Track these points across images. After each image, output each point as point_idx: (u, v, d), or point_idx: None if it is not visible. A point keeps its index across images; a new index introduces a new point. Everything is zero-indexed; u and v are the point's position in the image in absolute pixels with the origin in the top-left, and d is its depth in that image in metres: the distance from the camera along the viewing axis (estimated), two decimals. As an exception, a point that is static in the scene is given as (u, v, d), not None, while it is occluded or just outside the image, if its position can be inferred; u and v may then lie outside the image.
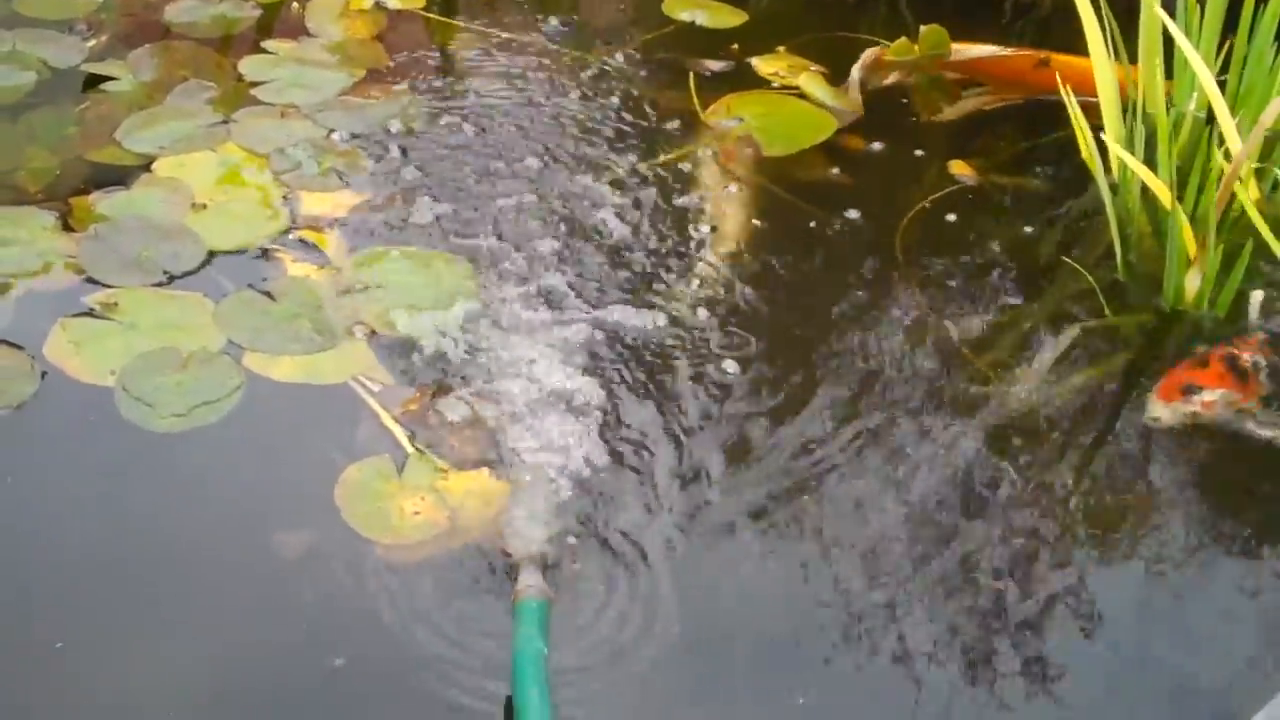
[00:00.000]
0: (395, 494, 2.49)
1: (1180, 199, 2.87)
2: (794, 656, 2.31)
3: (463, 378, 2.69)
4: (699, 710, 2.26)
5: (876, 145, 3.39)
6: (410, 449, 2.56)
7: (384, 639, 2.27)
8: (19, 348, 2.69)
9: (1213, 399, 2.72)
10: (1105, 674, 2.31)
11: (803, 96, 3.52)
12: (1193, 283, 2.89)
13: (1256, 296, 2.94)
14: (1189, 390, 2.73)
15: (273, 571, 2.38)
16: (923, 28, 3.58)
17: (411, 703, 2.20)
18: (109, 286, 2.83)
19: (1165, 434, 2.71)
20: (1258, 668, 2.34)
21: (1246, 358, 2.79)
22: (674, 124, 3.41)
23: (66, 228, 2.96)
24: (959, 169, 3.32)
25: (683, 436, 2.63)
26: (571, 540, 2.42)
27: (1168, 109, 3.07)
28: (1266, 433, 2.68)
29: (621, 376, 2.72)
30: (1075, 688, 2.29)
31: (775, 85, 3.55)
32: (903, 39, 3.59)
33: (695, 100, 3.46)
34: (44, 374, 2.65)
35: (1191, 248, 2.87)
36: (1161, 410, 2.73)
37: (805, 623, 2.36)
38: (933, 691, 2.27)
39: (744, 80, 3.57)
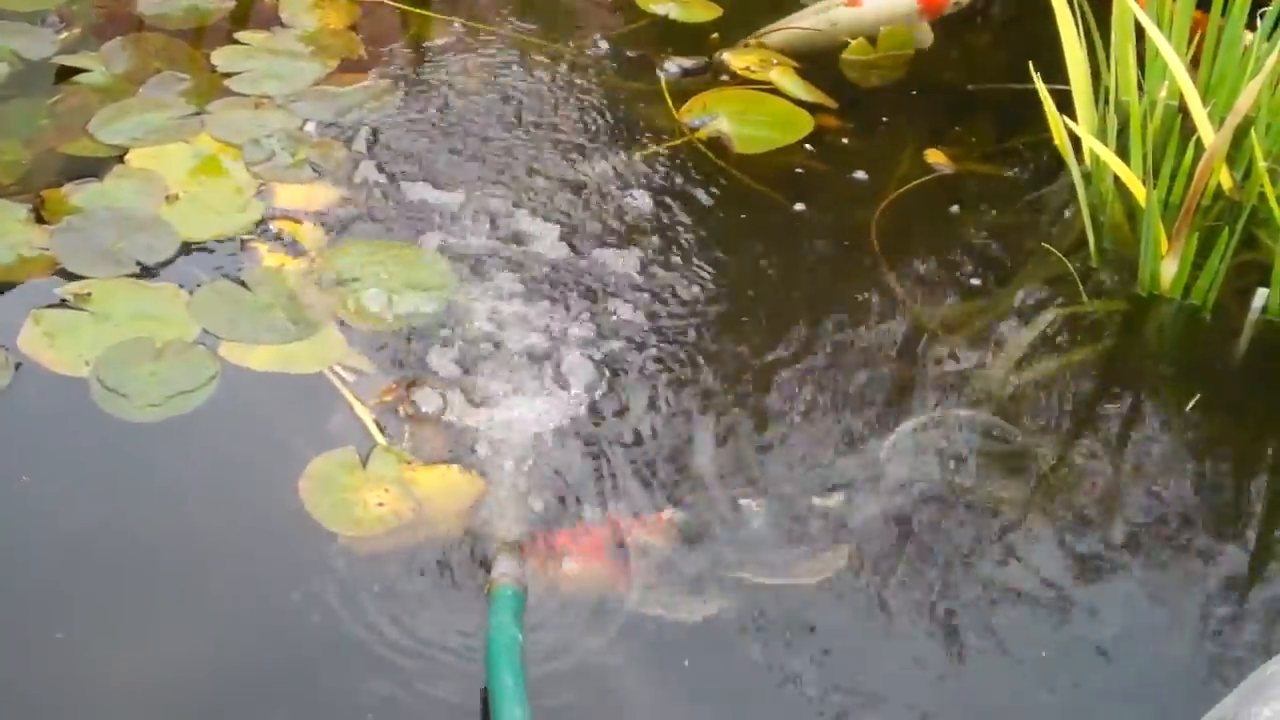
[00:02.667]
0: (359, 486, 2.48)
1: (1154, 186, 2.89)
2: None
3: (436, 369, 2.69)
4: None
5: (849, 136, 3.40)
6: (379, 440, 2.56)
7: (332, 629, 2.27)
8: (-8, 339, 2.69)
9: (571, 570, 2.38)
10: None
11: (776, 91, 3.53)
12: (1168, 270, 2.90)
13: (1261, 294, 2.89)
14: (564, 555, 2.39)
15: (235, 566, 2.37)
16: (882, 29, 3.61)
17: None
18: (82, 278, 2.82)
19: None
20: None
21: (635, 534, 2.43)
22: (647, 118, 3.40)
23: (39, 220, 2.94)
24: (935, 158, 3.33)
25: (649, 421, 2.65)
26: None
27: (1140, 97, 3.09)
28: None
29: (597, 370, 2.71)
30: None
31: (747, 80, 3.55)
32: (860, 39, 3.62)
33: (667, 96, 3.47)
34: (18, 365, 2.64)
35: (1164, 236, 2.89)
36: (510, 564, 2.33)
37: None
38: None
39: (715, 74, 3.57)
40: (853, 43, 3.62)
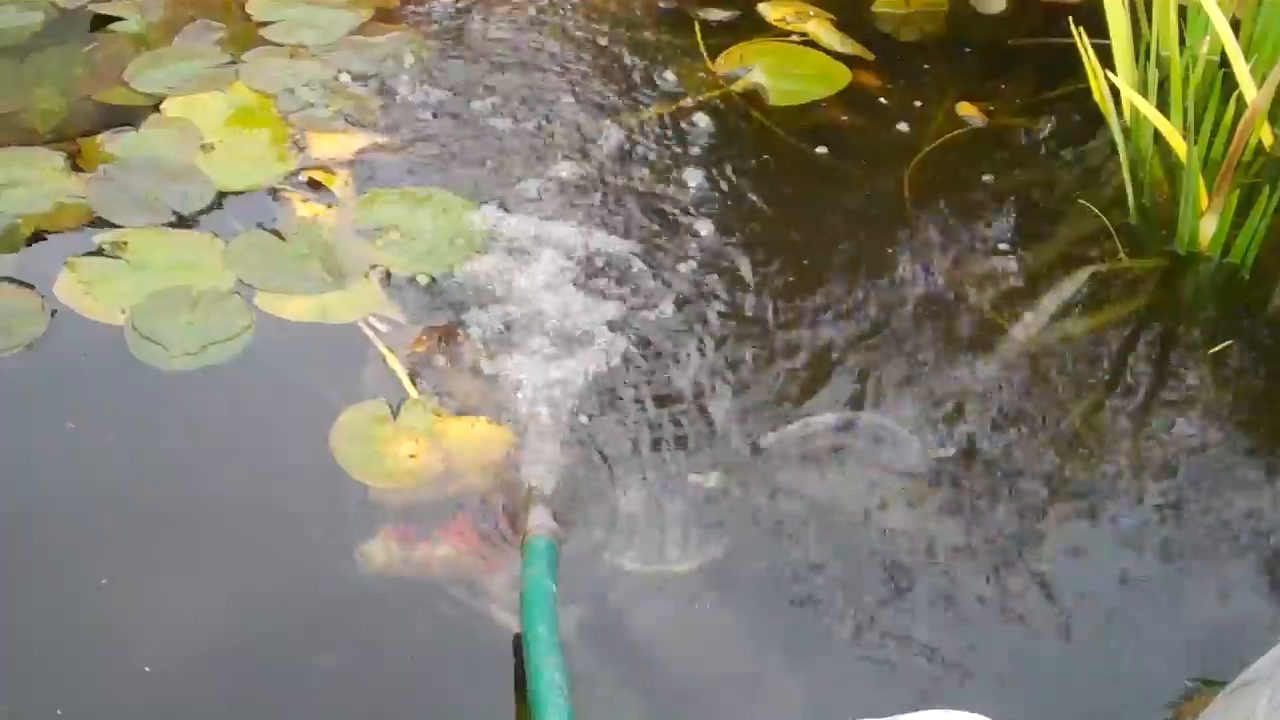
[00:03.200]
0: (390, 437, 2.48)
1: (1195, 142, 2.86)
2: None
3: (470, 319, 2.68)
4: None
5: (885, 89, 3.38)
6: (411, 392, 2.56)
7: (359, 579, 2.29)
8: (29, 287, 2.70)
9: (444, 555, 2.32)
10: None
11: (812, 44, 3.50)
12: (1208, 227, 2.88)
13: None
14: (422, 537, 2.34)
15: (265, 515, 2.39)
16: None
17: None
18: (118, 226, 2.83)
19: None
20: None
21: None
22: (682, 70, 3.39)
23: (75, 168, 2.96)
24: (966, 110, 3.30)
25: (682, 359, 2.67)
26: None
27: (1181, 52, 3.05)
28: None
29: (630, 326, 2.71)
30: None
31: (783, 32, 3.53)
32: None
33: (703, 47, 3.45)
34: (54, 313, 2.65)
35: (1204, 193, 2.86)
36: (379, 550, 2.32)
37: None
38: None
39: (751, 26, 3.55)
40: None
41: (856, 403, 2.61)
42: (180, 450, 2.48)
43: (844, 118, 3.30)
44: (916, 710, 1.86)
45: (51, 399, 2.54)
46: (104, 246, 2.78)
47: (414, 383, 2.58)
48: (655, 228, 2.92)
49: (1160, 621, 2.32)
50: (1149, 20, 3.09)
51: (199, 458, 2.46)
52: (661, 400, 2.58)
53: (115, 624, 2.22)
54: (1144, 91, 2.99)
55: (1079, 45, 3.01)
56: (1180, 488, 2.53)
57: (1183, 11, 3.07)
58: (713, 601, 2.29)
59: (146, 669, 2.14)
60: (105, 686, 2.14)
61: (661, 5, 3.61)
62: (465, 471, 2.45)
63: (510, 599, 2.23)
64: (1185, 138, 2.88)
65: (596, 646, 2.21)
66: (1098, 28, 3.06)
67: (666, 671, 2.21)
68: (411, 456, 2.46)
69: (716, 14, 3.58)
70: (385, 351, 2.64)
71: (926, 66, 3.47)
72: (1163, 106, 2.95)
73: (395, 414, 2.52)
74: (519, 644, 2.13)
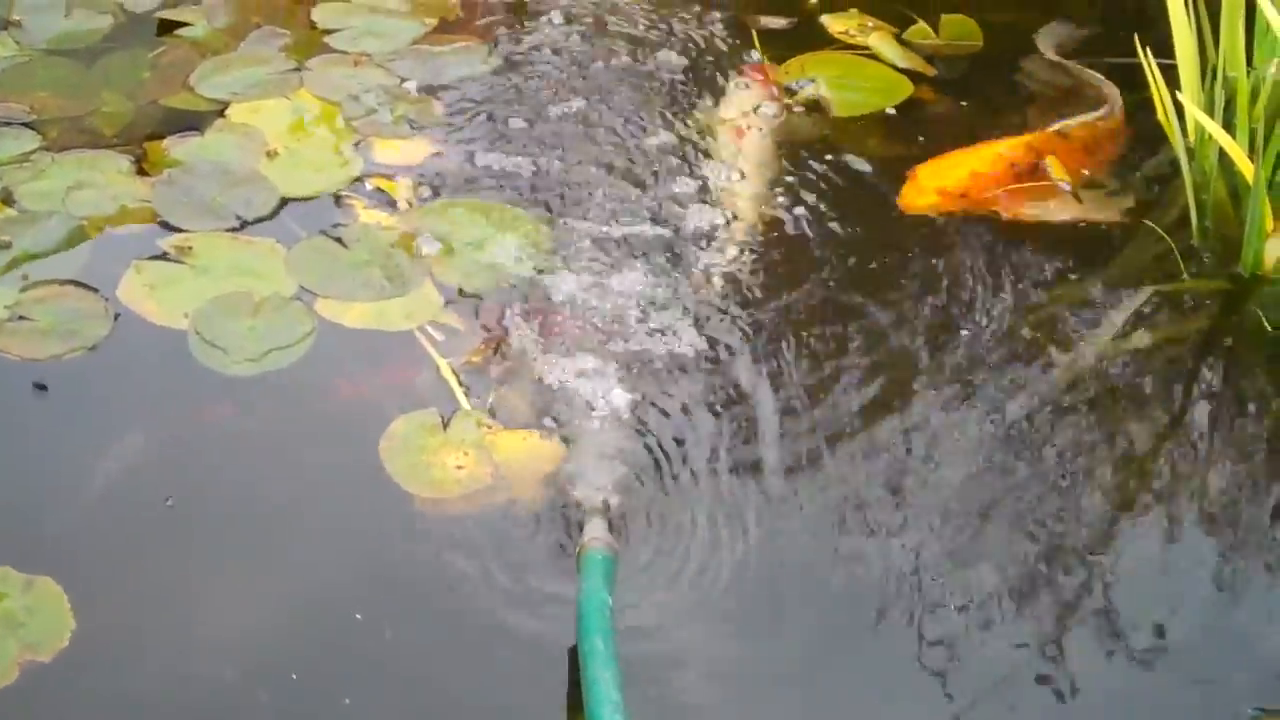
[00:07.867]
0: (439, 448, 2.49)
1: (1260, 164, 2.83)
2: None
3: (526, 330, 2.69)
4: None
5: (946, 103, 3.36)
6: (463, 403, 2.57)
7: (403, 588, 2.32)
8: (93, 290, 2.73)
9: None
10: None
11: (874, 57, 3.49)
12: (1273, 250, 2.85)
13: None
14: None
15: (314, 522, 2.41)
16: (943, 16, 3.55)
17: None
18: (183, 231, 2.86)
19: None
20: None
21: None
22: (745, 82, 3.38)
23: (141, 172, 3.00)
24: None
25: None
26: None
27: (1248, 73, 3.02)
28: None
29: (682, 343, 2.71)
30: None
31: (844, 44, 3.52)
32: (920, 23, 3.56)
33: (765, 60, 3.45)
34: (118, 316, 2.69)
35: (1269, 215, 2.84)
36: None
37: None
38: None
39: (812, 38, 3.54)
40: (914, 26, 3.57)
41: (911, 410, 2.62)
42: (235, 455, 2.50)
43: (906, 133, 3.28)
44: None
45: (113, 403, 2.58)
46: (168, 250, 2.81)
47: (467, 393, 2.59)
48: (721, 243, 2.92)
49: (1223, 647, 2.30)
50: (1215, 41, 3.07)
51: (253, 463, 2.50)
52: (718, 417, 2.58)
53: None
54: (1210, 112, 2.96)
55: (1144, 65, 2.99)
56: (1243, 511, 2.51)
57: (1250, 31, 3.04)
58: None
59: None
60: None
61: (729, 14, 3.60)
62: (512, 485, 2.45)
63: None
64: (1252, 159, 2.85)
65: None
66: (1163, 48, 3.03)
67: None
68: (459, 468, 2.46)
69: (777, 23, 3.57)
70: (439, 361, 2.65)
71: (989, 84, 3.45)
72: (1228, 127, 2.93)
73: (446, 424, 2.53)
74: (574, 656, 2.14)
